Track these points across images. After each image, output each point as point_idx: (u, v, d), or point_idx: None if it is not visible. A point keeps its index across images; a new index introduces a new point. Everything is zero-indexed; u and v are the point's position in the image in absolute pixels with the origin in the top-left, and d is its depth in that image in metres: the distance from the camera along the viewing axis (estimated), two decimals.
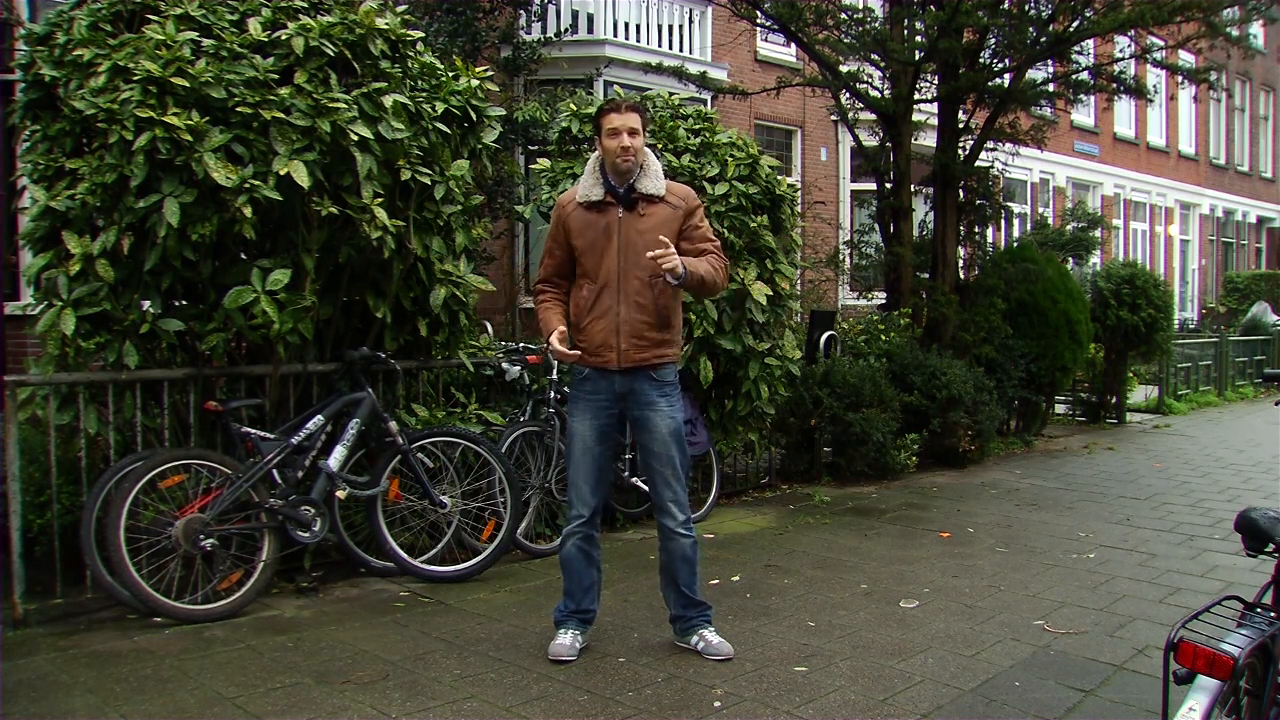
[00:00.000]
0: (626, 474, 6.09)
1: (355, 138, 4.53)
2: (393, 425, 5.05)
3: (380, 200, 4.72)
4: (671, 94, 6.83)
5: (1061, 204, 19.67)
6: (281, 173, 4.37)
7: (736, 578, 5.24)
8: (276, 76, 4.53)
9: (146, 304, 4.57)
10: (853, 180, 16.43)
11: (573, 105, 6.66)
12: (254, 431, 4.77)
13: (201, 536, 4.44)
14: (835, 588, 5.08)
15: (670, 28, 13.30)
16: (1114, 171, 22.72)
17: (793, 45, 11.24)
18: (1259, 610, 2.59)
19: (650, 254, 3.79)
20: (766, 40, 14.70)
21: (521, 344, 6.50)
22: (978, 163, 9.88)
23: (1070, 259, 12.74)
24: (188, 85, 4.31)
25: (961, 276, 10.10)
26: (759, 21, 9.74)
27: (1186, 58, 15.11)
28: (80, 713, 3.49)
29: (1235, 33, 10.34)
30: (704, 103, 10.74)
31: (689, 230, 4.00)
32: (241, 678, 3.80)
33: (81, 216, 4.54)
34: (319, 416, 4.89)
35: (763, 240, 6.37)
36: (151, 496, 4.47)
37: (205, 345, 4.71)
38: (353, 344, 5.30)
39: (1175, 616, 4.20)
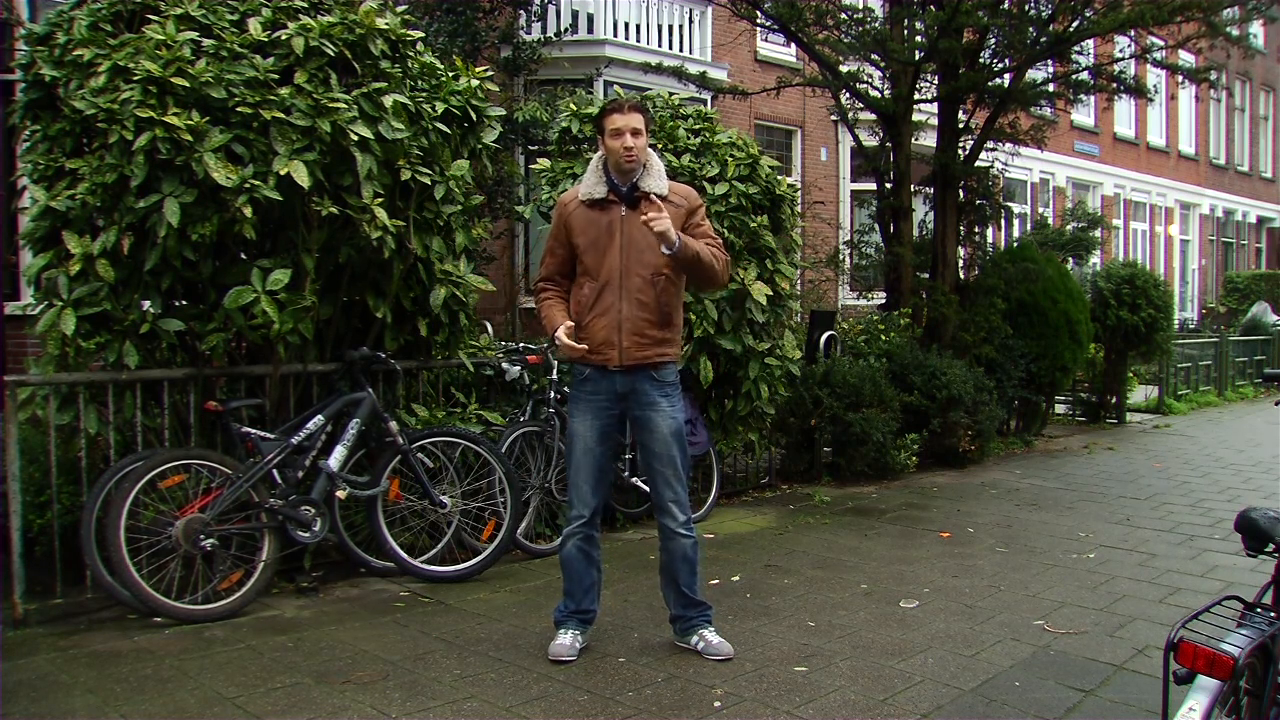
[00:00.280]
0: (626, 474, 6.09)
1: (355, 138, 4.53)
2: (393, 425, 5.05)
3: (380, 200, 4.72)
4: (671, 94, 6.83)
5: (1061, 204, 19.67)
6: (281, 173, 4.37)
7: (736, 578, 5.24)
8: (276, 76, 4.53)
9: (146, 304, 4.57)
10: (853, 180, 16.43)
11: (573, 105, 6.66)
12: (254, 431, 4.77)
13: (201, 536, 4.44)
14: (835, 588, 5.08)
15: (670, 28, 13.30)
16: (1114, 171, 22.72)
17: (793, 45, 11.24)
18: (1259, 610, 2.59)
19: (643, 217, 3.79)
20: (766, 40, 14.70)
21: (521, 344, 6.50)
22: (978, 163, 9.88)
23: (1070, 259, 12.74)
24: (188, 85, 4.31)
25: (961, 276, 10.10)
26: (759, 21, 9.75)
27: (1186, 58, 15.11)
28: (80, 713, 3.49)
29: (1235, 33, 10.35)
30: (704, 103, 10.75)
31: (691, 228, 4.01)
32: (241, 678, 3.80)
33: (81, 216, 4.54)
34: (319, 416, 4.89)
35: (763, 240, 6.37)
36: (151, 496, 4.47)
37: (205, 345, 4.71)
38: (353, 344, 5.30)
39: (1175, 616, 4.20)
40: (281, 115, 4.41)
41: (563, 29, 11.42)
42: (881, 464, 7.87)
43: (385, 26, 4.89)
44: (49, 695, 3.64)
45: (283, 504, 4.69)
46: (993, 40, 9.43)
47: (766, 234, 6.39)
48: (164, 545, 4.43)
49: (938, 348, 8.95)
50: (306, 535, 4.76)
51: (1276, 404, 4.02)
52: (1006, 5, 9.26)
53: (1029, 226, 15.90)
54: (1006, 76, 9.66)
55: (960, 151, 9.76)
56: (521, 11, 11.23)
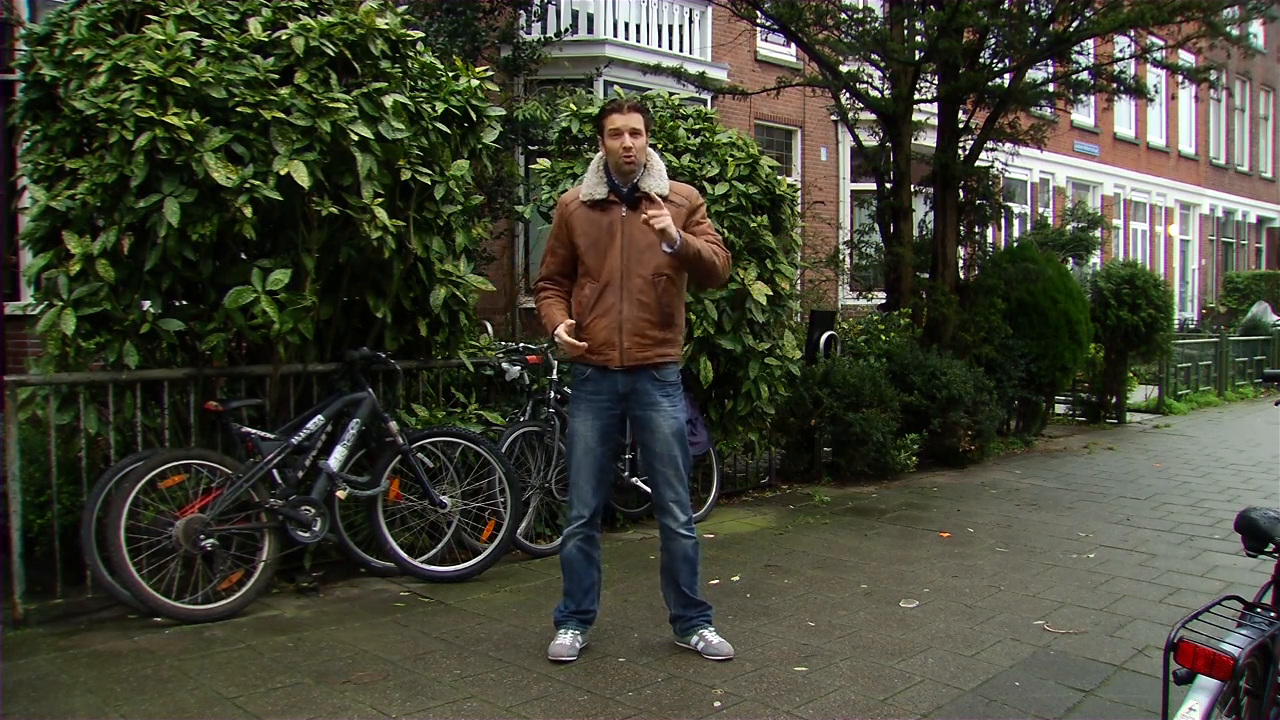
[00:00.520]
0: (627, 474, 6.09)
1: (355, 138, 4.53)
2: (393, 425, 5.05)
3: (380, 200, 4.72)
4: (671, 94, 6.83)
5: (1061, 204, 19.67)
6: (282, 173, 4.37)
7: (736, 578, 5.24)
8: (277, 76, 4.53)
9: (147, 304, 4.57)
10: (853, 180, 16.43)
11: (573, 105, 6.66)
12: (254, 431, 4.77)
13: (202, 536, 4.44)
14: (835, 588, 5.08)
15: (670, 28, 13.30)
16: (1114, 171, 22.72)
17: (793, 45, 11.24)
18: (1259, 610, 2.59)
19: (643, 216, 3.79)
20: (766, 40, 14.70)
21: (521, 344, 6.50)
22: (978, 163, 9.88)
23: (1070, 259, 12.75)
24: (188, 85, 4.31)
25: (961, 276, 10.10)
26: (759, 21, 9.74)
27: (1186, 57, 15.11)
28: (80, 713, 3.50)
29: (1235, 32, 10.35)
30: (704, 103, 10.74)
31: (692, 227, 4.01)
32: (241, 678, 3.80)
33: (82, 216, 4.54)
34: (319, 416, 4.89)
35: (763, 240, 6.37)
36: (152, 496, 4.47)
37: (205, 345, 4.71)
38: (353, 344, 5.30)
39: (1175, 616, 4.20)
40: (281, 115, 4.41)
41: (563, 29, 11.42)
42: (881, 464, 7.87)
43: (385, 26, 4.89)
44: (49, 695, 3.64)
45: (283, 504, 4.69)
46: (993, 40, 9.43)
47: (766, 234, 6.39)
48: (164, 545, 4.43)
49: (938, 348, 8.95)
50: (306, 535, 4.76)
51: (1276, 404, 4.02)
52: (1006, 5, 9.26)
53: (1029, 226, 15.90)
54: (1006, 76, 9.66)
55: (960, 151, 9.76)
56: (521, 11, 11.23)
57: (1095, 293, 11.58)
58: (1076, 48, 9.95)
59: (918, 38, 9.48)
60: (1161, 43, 11.04)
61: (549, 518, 5.91)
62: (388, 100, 4.67)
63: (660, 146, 6.23)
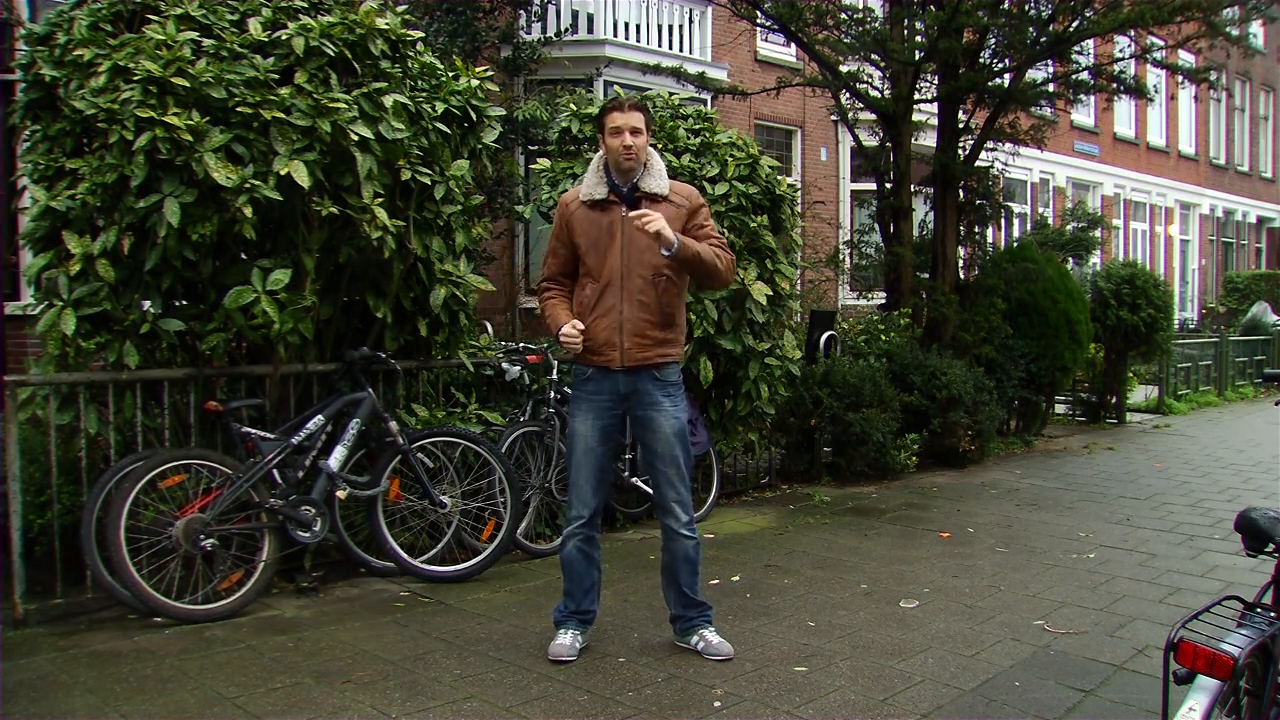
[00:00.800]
0: (627, 474, 6.09)
1: (355, 138, 4.53)
2: (393, 425, 5.06)
3: (380, 200, 4.71)
4: (671, 94, 6.83)
5: (1061, 204, 19.68)
6: (282, 173, 4.37)
7: (736, 578, 5.24)
8: (277, 76, 4.53)
9: (147, 304, 4.57)
10: (853, 180, 16.43)
11: (573, 105, 6.66)
12: (254, 431, 4.77)
13: (202, 536, 4.44)
14: (835, 588, 5.08)
15: (670, 28, 13.30)
16: (1114, 171, 22.72)
17: (793, 45, 11.24)
18: (1259, 610, 2.59)
19: (632, 214, 3.79)
20: (766, 40, 14.70)
21: (521, 344, 6.50)
22: (978, 163, 9.88)
23: (1070, 259, 12.75)
24: (188, 85, 4.31)
25: (961, 276, 10.11)
26: (759, 21, 9.75)
27: (1186, 58, 15.12)
28: (80, 713, 3.50)
29: (1235, 33, 10.35)
30: (704, 103, 10.75)
31: (694, 229, 4.01)
32: (242, 678, 3.80)
33: (82, 216, 4.54)
34: (319, 416, 4.89)
35: (763, 240, 6.37)
36: (152, 496, 4.47)
37: (205, 345, 4.71)
38: (353, 344, 5.30)
39: (1175, 616, 4.20)
40: (281, 115, 4.41)
41: (563, 29, 11.43)
42: (881, 464, 7.87)
43: (385, 26, 4.89)
44: (49, 695, 3.64)
45: (283, 504, 4.69)
46: (993, 40, 9.43)
47: (766, 234, 6.39)
48: (164, 545, 4.43)
49: (938, 348, 8.95)
50: (306, 535, 4.76)
51: (1276, 404, 4.02)
52: (1006, 5, 9.26)
53: (1029, 226, 15.91)
54: (1006, 76, 9.66)
55: (960, 151, 9.76)
56: (521, 11, 11.24)
57: (1095, 293, 11.58)
58: (1076, 48, 9.95)
59: (918, 38, 9.48)
60: (1161, 43, 11.04)
61: (549, 518, 5.91)
62: (388, 100, 4.67)
63: (660, 146, 6.23)
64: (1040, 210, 19.23)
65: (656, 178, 3.98)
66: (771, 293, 6.30)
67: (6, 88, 6.36)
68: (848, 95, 9.91)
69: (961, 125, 9.81)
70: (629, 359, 3.94)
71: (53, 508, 4.54)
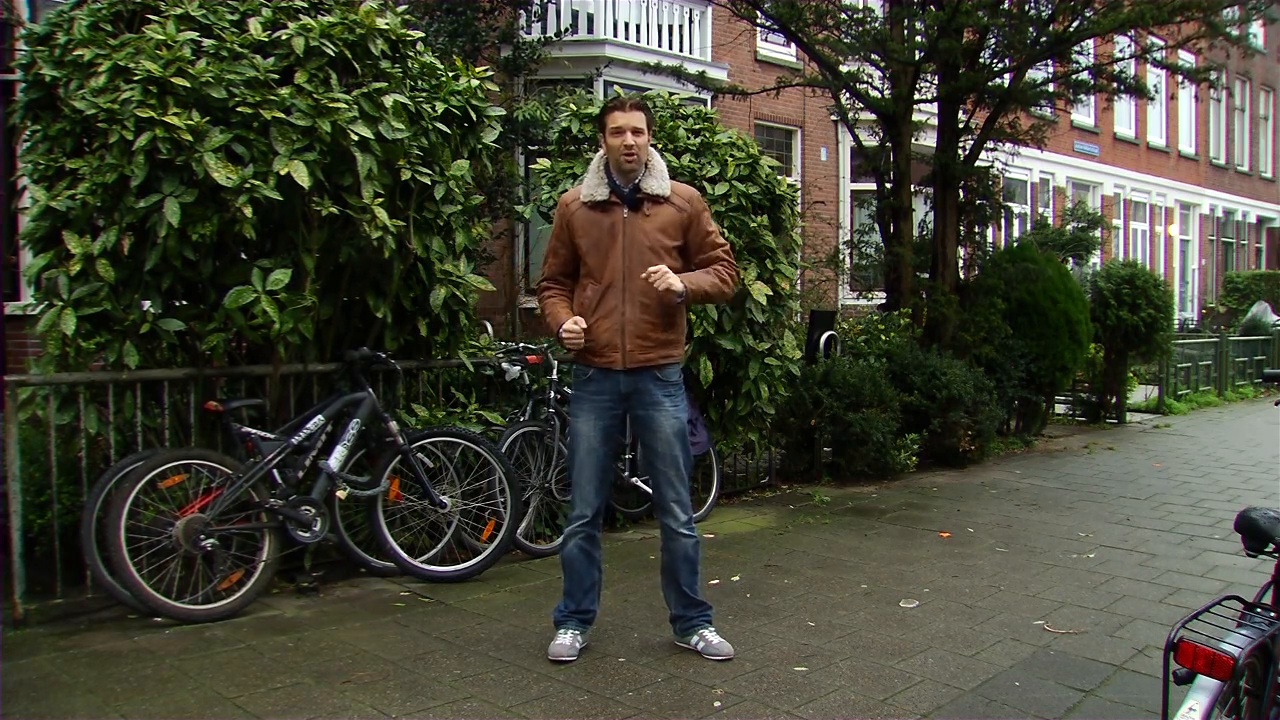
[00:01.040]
0: (627, 474, 6.09)
1: (355, 138, 4.53)
2: (393, 425, 5.06)
3: (380, 200, 4.72)
4: (671, 94, 6.83)
5: (1061, 204, 19.68)
6: (282, 173, 4.37)
7: (736, 578, 5.24)
8: (277, 76, 4.53)
9: (147, 304, 4.57)
10: (853, 180, 16.43)
11: (573, 105, 6.66)
12: (254, 431, 4.77)
13: (202, 536, 4.45)
14: (835, 588, 5.08)
15: (670, 28, 13.30)
16: (1114, 171, 22.72)
17: (793, 45, 11.24)
18: (1259, 610, 2.59)
19: (644, 275, 3.82)
20: (766, 40, 14.70)
21: (521, 344, 6.50)
22: (978, 163, 9.88)
23: (1070, 259, 12.75)
24: (188, 85, 4.31)
25: (961, 276, 10.11)
26: (759, 21, 9.74)
27: (1186, 58, 15.11)
28: (80, 713, 3.50)
29: (1235, 33, 10.34)
30: (704, 103, 10.75)
31: (696, 236, 4.01)
32: (242, 678, 3.80)
33: (82, 216, 4.54)
34: (319, 416, 4.89)
35: (763, 240, 6.37)
36: (152, 496, 4.47)
37: (205, 345, 4.71)
38: (353, 344, 5.30)
39: (1175, 616, 4.20)
40: (282, 115, 4.41)
41: (563, 29, 11.43)
42: (881, 464, 7.87)
43: (385, 26, 4.89)
44: (49, 695, 3.64)
45: (283, 504, 4.69)
46: (993, 40, 9.43)
47: (766, 234, 6.39)
48: (164, 545, 4.43)
49: (938, 348, 8.95)
50: (307, 535, 4.76)
51: (1276, 404, 4.02)
52: (1006, 5, 9.26)
53: (1029, 226, 15.90)
54: (1006, 76, 9.66)
55: (960, 151, 9.76)
56: (521, 11, 11.24)
57: (1095, 293, 11.58)
58: (1076, 48, 9.95)
59: (918, 38, 9.48)
60: (1161, 43, 11.04)
61: (549, 518, 5.91)
62: (388, 100, 4.67)
63: (660, 146, 6.23)
64: (1040, 210, 19.23)
65: (658, 178, 3.98)
66: (771, 293, 6.30)
67: (6, 88, 6.36)
68: (848, 95, 9.91)
69: (961, 125, 9.81)
70: (631, 360, 3.94)
71: (53, 508, 4.54)
